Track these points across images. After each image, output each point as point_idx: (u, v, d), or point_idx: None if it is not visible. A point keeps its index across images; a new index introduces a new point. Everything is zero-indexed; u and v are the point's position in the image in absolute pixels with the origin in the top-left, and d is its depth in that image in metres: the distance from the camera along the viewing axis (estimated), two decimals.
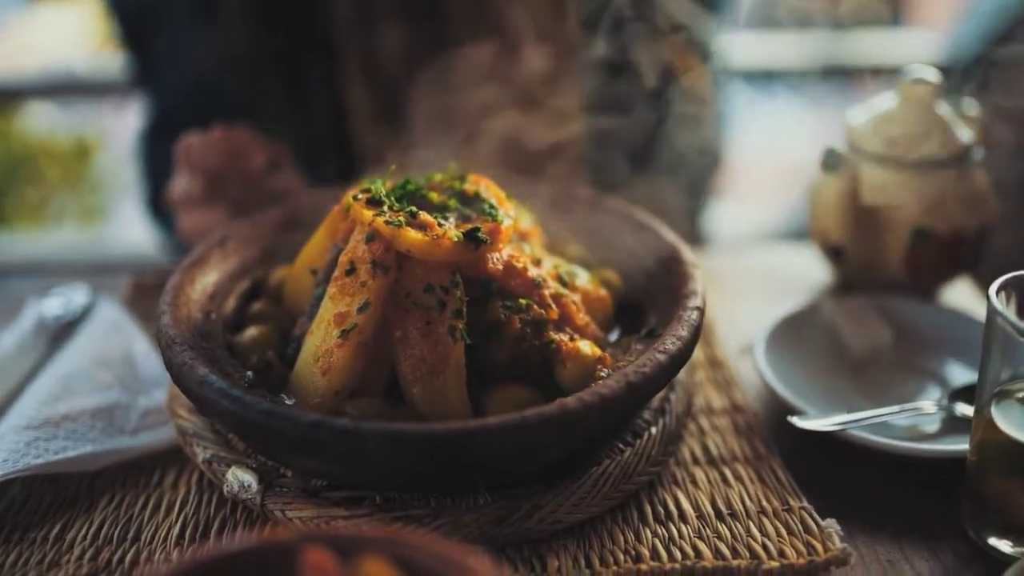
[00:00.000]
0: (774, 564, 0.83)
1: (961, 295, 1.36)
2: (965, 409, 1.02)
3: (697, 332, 0.93)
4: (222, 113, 1.36)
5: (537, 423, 0.78)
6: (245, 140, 1.32)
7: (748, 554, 0.85)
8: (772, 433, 1.04)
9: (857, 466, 1.01)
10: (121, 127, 4.26)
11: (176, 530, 0.90)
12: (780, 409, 1.09)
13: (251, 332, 0.98)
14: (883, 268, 1.26)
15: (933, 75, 1.26)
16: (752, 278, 1.45)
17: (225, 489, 0.90)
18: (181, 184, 1.31)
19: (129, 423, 1.02)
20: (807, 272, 1.44)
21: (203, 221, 1.30)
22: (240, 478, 0.89)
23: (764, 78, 3.51)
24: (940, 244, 1.22)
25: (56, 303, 1.25)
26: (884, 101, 1.30)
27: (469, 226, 0.92)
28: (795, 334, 1.16)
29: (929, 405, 1.03)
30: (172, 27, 1.62)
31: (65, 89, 3.74)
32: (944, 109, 1.26)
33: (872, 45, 3.73)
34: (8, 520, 0.91)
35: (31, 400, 1.02)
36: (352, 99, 1.56)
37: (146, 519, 0.91)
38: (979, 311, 1.28)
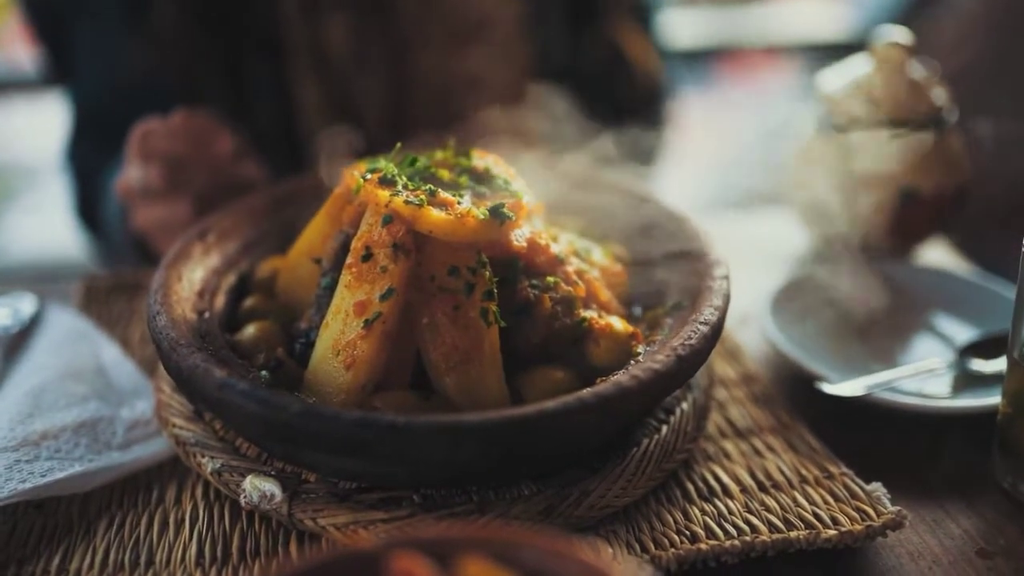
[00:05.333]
0: (832, 533, 0.81)
1: (937, 255, 1.38)
2: (979, 365, 1.03)
3: (728, 300, 0.90)
4: (155, 113, 1.25)
5: (596, 404, 0.74)
6: (210, 125, 1.21)
7: (803, 525, 0.83)
8: (787, 401, 1.03)
9: (875, 428, 1.00)
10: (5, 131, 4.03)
11: (193, 549, 0.81)
12: (791, 377, 1.07)
13: (251, 330, 0.90)
14: (869, 231, 1.27)
15: (905, 38, 1.27)
16: (730, 247, 1.43)
17: (243, 500, 0.82)
18: (136, 174, 1.18)
19: (116, 437, 0.92)
20: (785, 239, 1.43)
21: (164, 214, 1.18)
22: (260, 487, 0.81)
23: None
24: (925, 204, 1.24)
25: (3, 313, 1.14)
26: (857, 67, 1.30)
27: (488, 203, 0.87)
28: (795, 302, 1.15)
29: (944, 363, 1.03)
30: (97, 22, 1.49)
31: None
32: (918, 71, 1.27)
33: (761, 22, 3.82)
34: None
35: (1, 420, 0.91)
36: (300, 94, 1.48)
37: (155, 540, 0.83)
38: (961, 269, 1.30)
